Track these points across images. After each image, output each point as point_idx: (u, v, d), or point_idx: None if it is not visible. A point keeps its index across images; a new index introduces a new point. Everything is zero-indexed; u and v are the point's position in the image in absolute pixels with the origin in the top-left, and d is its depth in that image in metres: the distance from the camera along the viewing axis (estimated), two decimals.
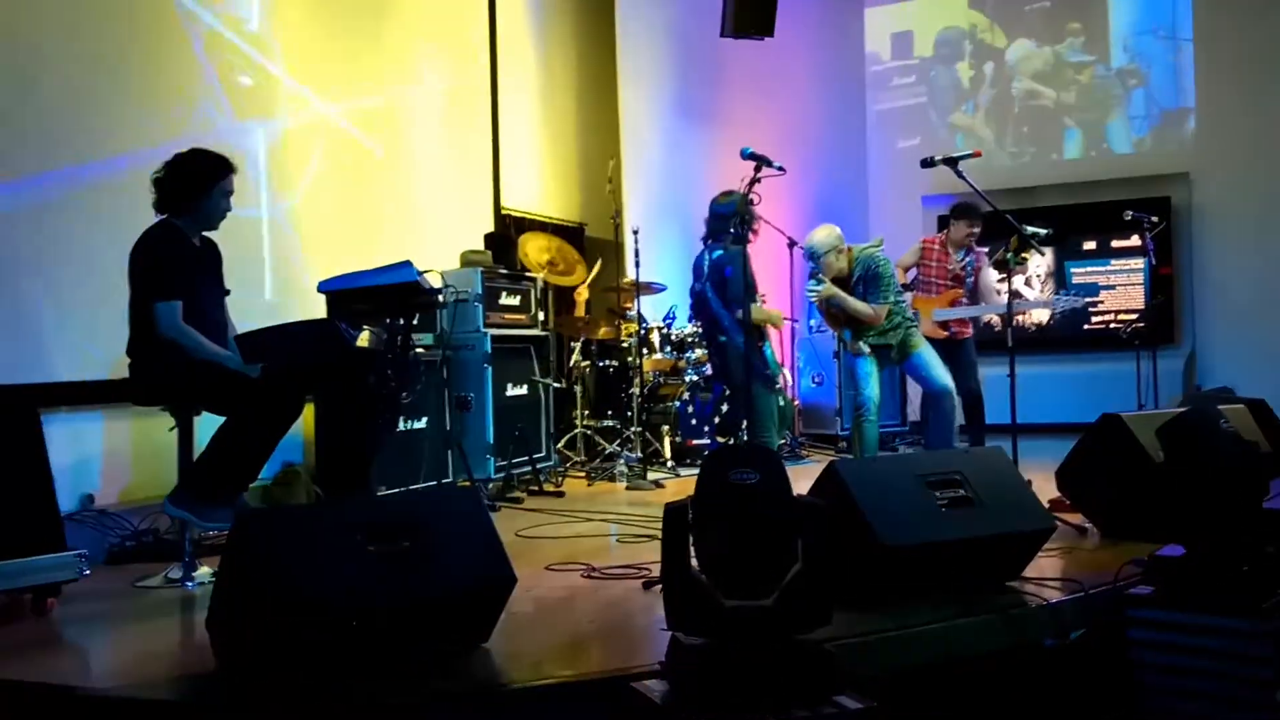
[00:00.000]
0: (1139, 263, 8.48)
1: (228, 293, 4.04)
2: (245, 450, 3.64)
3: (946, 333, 6.04)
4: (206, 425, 3.76)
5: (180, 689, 2.53)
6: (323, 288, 4.06)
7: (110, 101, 4.93)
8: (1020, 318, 8.72)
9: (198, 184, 3.78)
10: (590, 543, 4.37)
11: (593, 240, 8.49)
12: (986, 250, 6.23)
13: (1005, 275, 5.22)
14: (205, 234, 3.93)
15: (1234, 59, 8.42)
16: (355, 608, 2.39)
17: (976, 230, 6.12)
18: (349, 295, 3.98)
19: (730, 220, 4.98)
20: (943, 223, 6.44)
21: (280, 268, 5.74)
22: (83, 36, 4.84)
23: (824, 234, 5.35)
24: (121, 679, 2.66)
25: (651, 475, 6.14)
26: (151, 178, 3.79)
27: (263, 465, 3.75)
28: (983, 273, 6.18)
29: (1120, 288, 8.79)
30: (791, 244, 7.82)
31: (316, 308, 4.24)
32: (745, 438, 4.97)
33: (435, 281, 4.36)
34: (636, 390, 6.50)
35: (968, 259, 6.16)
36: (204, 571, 3.68)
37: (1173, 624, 2.97)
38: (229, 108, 5.54)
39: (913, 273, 6.26)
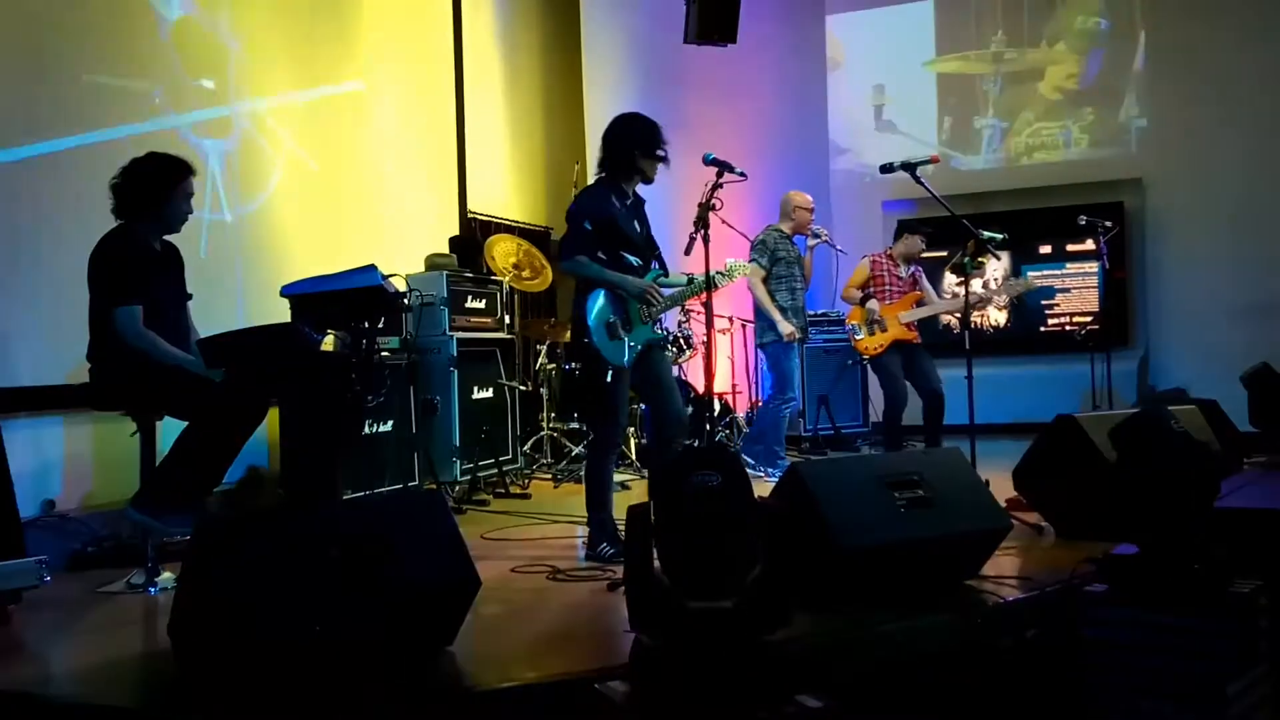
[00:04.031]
0: (1093, 266, 8.61)
1: (189, 297, 4.02)
2: (208, 455, 3.63)
3: (914, 334, 6.22)
4: (169, 430, 3.74)
5: (142, 695, 2.52)
6: (285, 292, 4.04)
7: (71, 106, 4.88)
8: (977, 319, 8.84)
9: (157, 188, 3.76)
10: (556, 545, 4.38)
11: (559, 244, 8.49)
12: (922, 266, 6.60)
13: (963, 279, 5.32)
14: (166, 238, 3.91)
15: (1184, 68, 8.58)
16: (318, 612, 2.40)
17: (925, 245, 6.46)
18: (312, 299, 3.97)
19: None
20: (899, 229, 6.58)
21: (243, 272, 5.70)
22: (39, 43, 4.79)
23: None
24: (83, 686, 2.65)
25: (617, 477, 6.16)
26: (110, 184, 3.77)
27: (226, 470, 3.73)
28: (923, 282, 6.43)
29: (1075, 291, 8.93)
30: None
31: (280, 312, 4.23)
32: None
33: (400, 285, 4.37)
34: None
35: (912, 269, 6.45)
36: (166, 577, 3.66)
37: (1126, 621, 3.03)
38: (191, 111, 5.50)
39: (868, 288, 6.40)
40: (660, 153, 4.11)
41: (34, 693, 2.54)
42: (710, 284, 4.17)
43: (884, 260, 6.43)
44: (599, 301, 4.05)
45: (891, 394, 6.22)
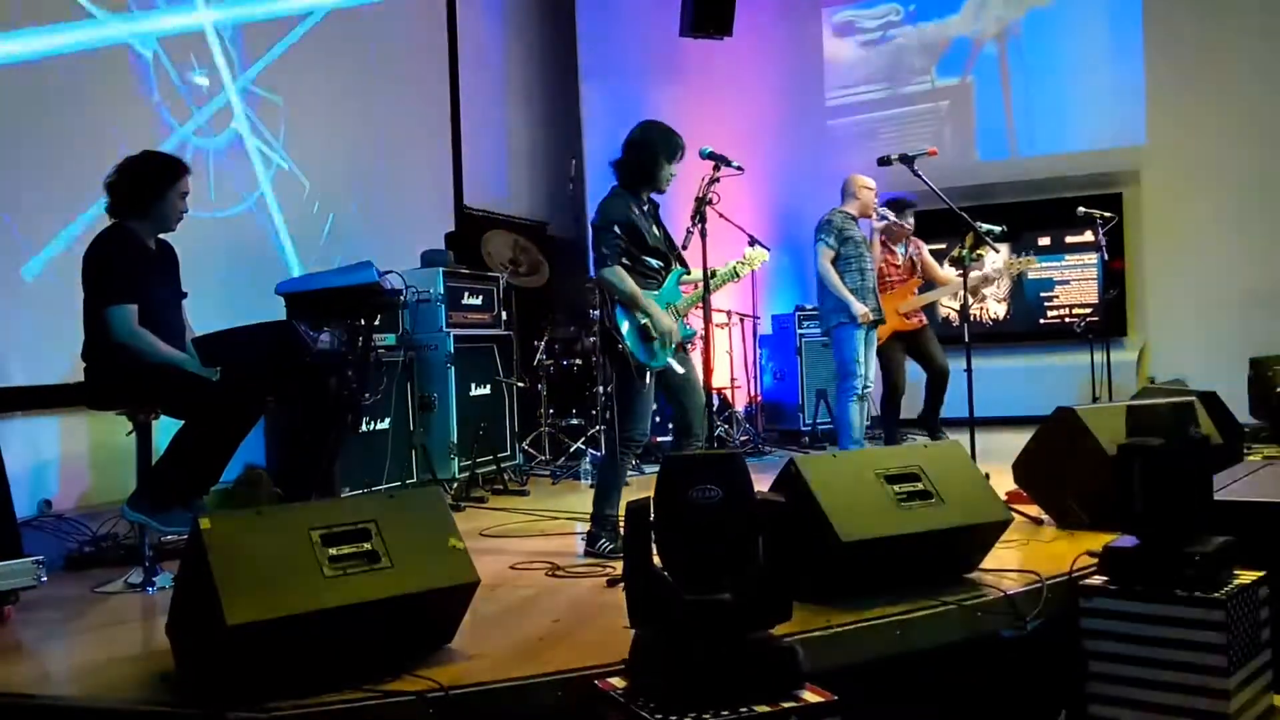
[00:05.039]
0: (1092, 258, 8.61)
1: (185, 295, 4.00)
2: (204, 454, 3.61)
3: (912, 323, 6.21)
4: (166, 429, 3.73)
5: (140, 695, 2.51)
6: (281, 289, 4.03)
7: (62, 100, 4.87)
8: (977, 312, 8.83)
9: (152, 186, 3.74)
10: (555, 541, 4.38)
11: (555, 239, 8.49)
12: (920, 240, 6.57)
13: (962, 272, 5.32)
14: (161, 236, 3.89)
15: (1185, 60, 8.56)
16: (316, 611, 2.39)
17: (913, 221, 6.41)
18: (308, 296, 3.96)
19: None
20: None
21: (238, 270, 5.68)
22: (34, 37, 4.77)
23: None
24: (81, 686, 2.64)
25: None
26: (104, 182, 3.75)
27: (223, 468, 3.72)
28: (924, 257, 6.41)
29: (1074, 282, 8.93)
30: (753, 241, 7.85)
31: (275, 310, 4.22)
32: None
33: (396, 282, 4.36)
34: (600, 389, 6.51)
35: (909, 250, 6.45)
36: (164, 576, 3.65)
37: (1126, 613, 3.03)
38: (185, 109, 5.48)
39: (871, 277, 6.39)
40: (677, 162, 4.16)
41: (32, 693, 2.54)
42: (734, 275, 4.27)
43: (880, 248, 6.40)
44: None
45: (890, 383, 6.21)
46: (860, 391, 5.82)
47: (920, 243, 6.52)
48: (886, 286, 6.27)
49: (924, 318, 6.36)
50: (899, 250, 6.40)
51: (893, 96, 9.66)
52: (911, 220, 6.38)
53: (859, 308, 5.74)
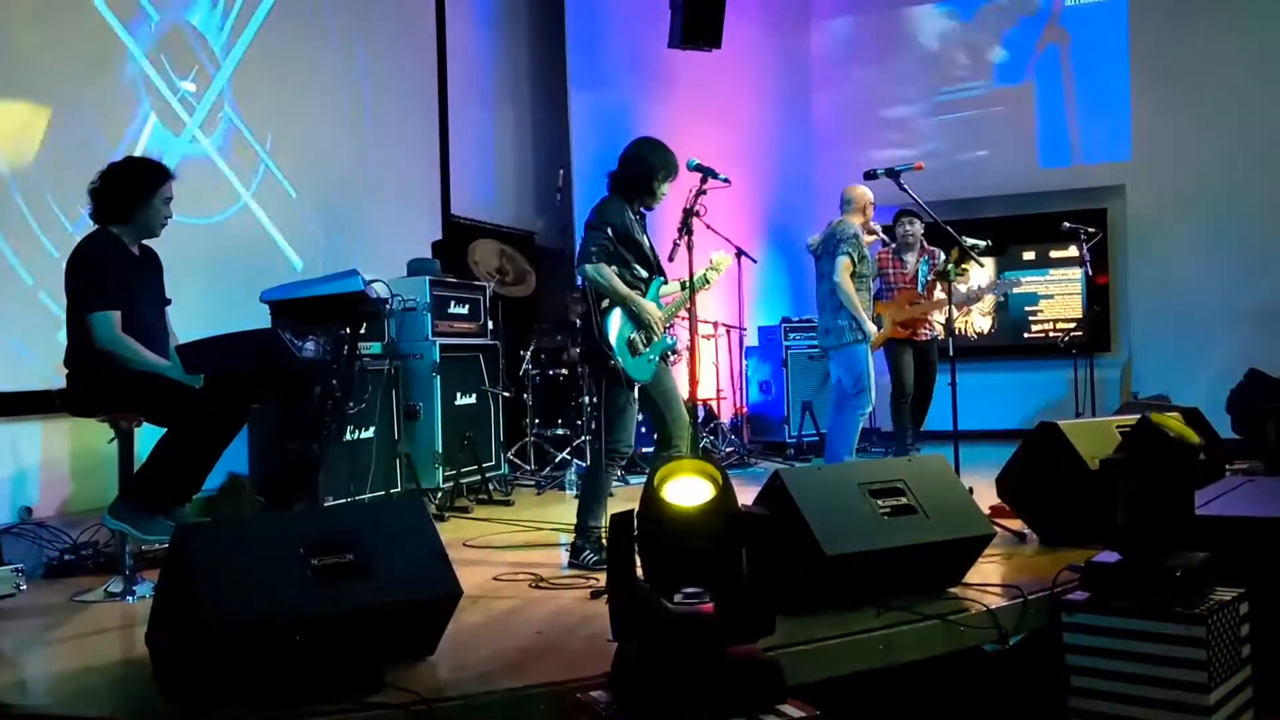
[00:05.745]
0: (1076, 273, 8.66)
1: (169, 302, 3.98)
2: (187, 461, 3.59)
3: (907, 333, 6.25)
4: (148, 436, 3.71)
5: (119, 705, 2.49)
6: (266, 297, 4.02)
7: (48, 106, 4.85)
8: (961, 326, 8.88)
9: (137, 192, 3.73)
10: (539, 553, 4.37)
11: (543, 249, 8.48)
12: (939, 250, 6.53)
13: (946, 285, 5.35)
14: (145, 242, 3.88)
15: (1169, 77, 8.63)
16: (298, 621, 2.38)
17: (915, 228, 6.42)
18: (293, 305, 3.94)
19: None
20: (889, 233, 6.59)
21: (223, 277, 5.66)
22: (16, 35, 4.76)
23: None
24: (59, 696, 2.62)
25: None
26: (88, 188, 3.74)
27: (205, 477, 3.70)
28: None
29: (1058, 297, 8.98)
30: (740, 253, 7.88)
31: (260, 318, 4.20)
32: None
33: (382, 290, 4.34)
34: (586, 399, 6.50)
35: (923, 260, 6.46)
36: (144, 585, 3.62)
37: (1108, 629, 3.04)
38: (170, 113, 5.46)
39: (876, 283, 6.42)
40: (670, 182, 4.19)
41: (9, 702, 2.51)
42: (705, 281, 4.27)
43: (889, 257, 6.44)
44: (618, 319, 4.09)
45: (898, 384, 6.29)
46: (868, 409, 5.78)
47: (938, 254, 6.48)
48: (887, 294, 6.32)
49: (930, 333, 6.36)
50: (907, 259, 6.44)
51: (881, 109, 9.71)
52: (911, 225, 6.41)
53: (872, 328, 5.69)
